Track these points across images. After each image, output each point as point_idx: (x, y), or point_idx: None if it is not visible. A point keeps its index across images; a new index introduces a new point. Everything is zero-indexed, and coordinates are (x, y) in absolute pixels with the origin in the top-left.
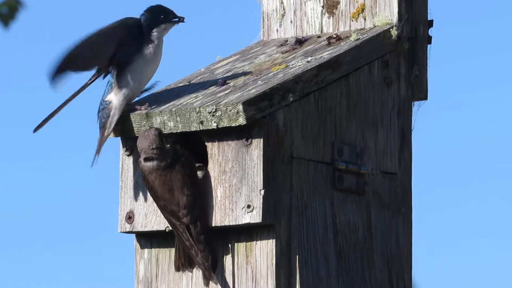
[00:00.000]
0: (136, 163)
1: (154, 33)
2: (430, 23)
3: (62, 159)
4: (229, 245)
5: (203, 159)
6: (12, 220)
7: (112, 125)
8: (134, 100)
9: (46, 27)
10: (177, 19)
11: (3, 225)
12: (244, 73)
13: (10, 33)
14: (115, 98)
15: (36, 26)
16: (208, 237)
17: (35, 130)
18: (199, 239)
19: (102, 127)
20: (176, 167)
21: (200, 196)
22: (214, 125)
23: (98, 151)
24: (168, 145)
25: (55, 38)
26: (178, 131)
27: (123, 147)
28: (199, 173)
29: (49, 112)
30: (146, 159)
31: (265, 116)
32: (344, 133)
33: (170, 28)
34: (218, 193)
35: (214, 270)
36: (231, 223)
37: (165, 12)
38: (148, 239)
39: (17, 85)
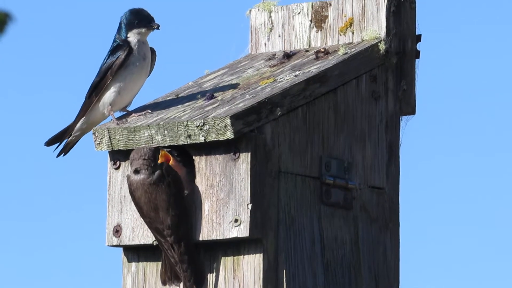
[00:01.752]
0: (123, 176)
1: (133, 38)
2: (418, 38)
3: (49, 171)
4: (217, 259)
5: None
6: None
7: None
8: (128, 107)
9: (36, 40)
10: (151, 25)
11: None
12: (232, 87)
13: None
14: (96, 105)
15: (26, 39)
16: (192, 256)
17: (48, 144)
18: (182, 259)
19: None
20: (163, 187)
21: (186, 215)
22: (202, 139)
23: (66, 148)
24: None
25: (44, 51)
26: (166, 144)
27: (110, 161)
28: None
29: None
30: (135, 171)
31: (253, 130)
32: (331, 148)
33: (147, 34)
34: (206, 207)
35: (201, 284)
36: (218, 237)
37: (141, 18)
38: (135, 252)
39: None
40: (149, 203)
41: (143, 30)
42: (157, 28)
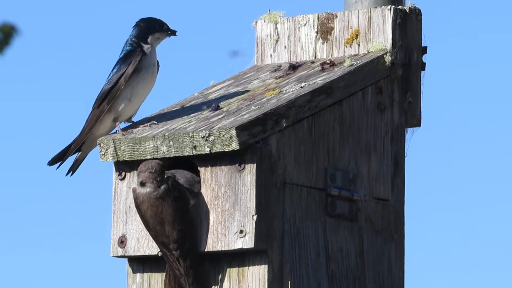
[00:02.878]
0: (128, 187)
1: (147, 44)
2: (424, 50)
3: (54, 181)
4: (222, 270)
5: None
6: (3, 242)
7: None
8: (133, 117)
9: (41, 53)
10: (170, 31)
11: None
12: (238, 98)
13: (5, 59)
14: (105, 117)
15: (31, 52)
16: (198, 269)
17: (51, 163)
18: (188, 272)
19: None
20: (169, 201)
21: (192, 230)
22: (207, 150)
23: (75, 165)
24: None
25: (50, 64)
26: (171, 155)
27: (116, 171)
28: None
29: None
30: (141, 184)
31: (258, 141)
32: (337, 159)
33: (163, 38)
34: (211, 218)
35: None
36: (223, 248)
37: (160, 23)
38: (140, 263)
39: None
40: (155, 217)
41: (162, 35)
42: (175, 34)
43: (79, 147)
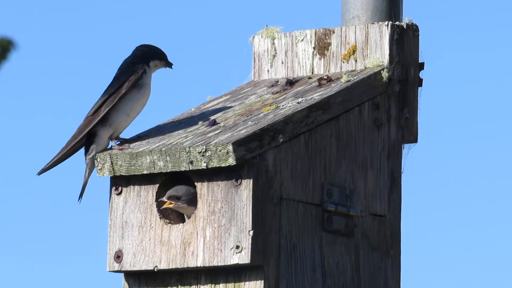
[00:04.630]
0: (125, 202)
1: (148, 67)
2: (421, 66)
3: (50, 196)
4: (218, 286)
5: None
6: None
7: (93, 155)
8: (120, 135)
9: (39, 68)
10: (168, 63)
11: None
12: (235, 114)
13: (2, 73)
14: (102, 132)
15: (29, 66)
16: None
17: (40, 173)
18: None
19: (87, 165)
20: None
21: None
22: (204, 165)
23: (82, 190)
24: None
25: (47, 78)
26: (168, 170)
27: (112, 186)
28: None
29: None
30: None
31: (255, 156)
32: (333, 175)
33: (160, 67)
34: (207, 233)
35: None
36: (219, 264)
37: (161, 53)
38: (136, 278)
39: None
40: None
41: (161, 63)
42: (171, 67)
43: (65, 154)
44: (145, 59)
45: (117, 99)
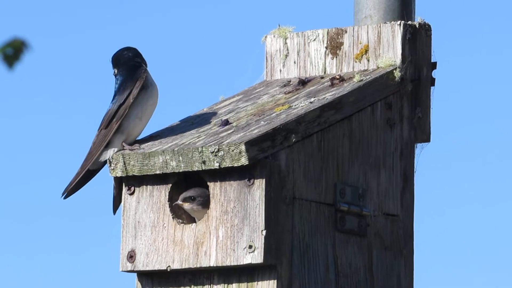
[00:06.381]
0: (137, 202)
1: (147, 66)
2: (434, 65)
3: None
4: (231, 286)
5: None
6: (10, 257)
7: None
8: (138, 137)
9: (51, 69)
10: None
11: (5, 261)
12: (247, 113)
13: (15, 74)
14: (114, 138)
15: (41, 67)
16: None
17: (66, 196)
18: None
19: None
20: None
21: None
22: (216, 165)
23: (114, 204)
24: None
25: (60, 79)
26: (180, 170)
27: (125, 186)
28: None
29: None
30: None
31: (267, 156)
32: (346, 174)
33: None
34: (220, 233)
35: None
36: (232, 264)
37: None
38: (149, 278)
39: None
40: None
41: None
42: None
43: (86, 170)
44: (142, 58)
45: (128, 109)
